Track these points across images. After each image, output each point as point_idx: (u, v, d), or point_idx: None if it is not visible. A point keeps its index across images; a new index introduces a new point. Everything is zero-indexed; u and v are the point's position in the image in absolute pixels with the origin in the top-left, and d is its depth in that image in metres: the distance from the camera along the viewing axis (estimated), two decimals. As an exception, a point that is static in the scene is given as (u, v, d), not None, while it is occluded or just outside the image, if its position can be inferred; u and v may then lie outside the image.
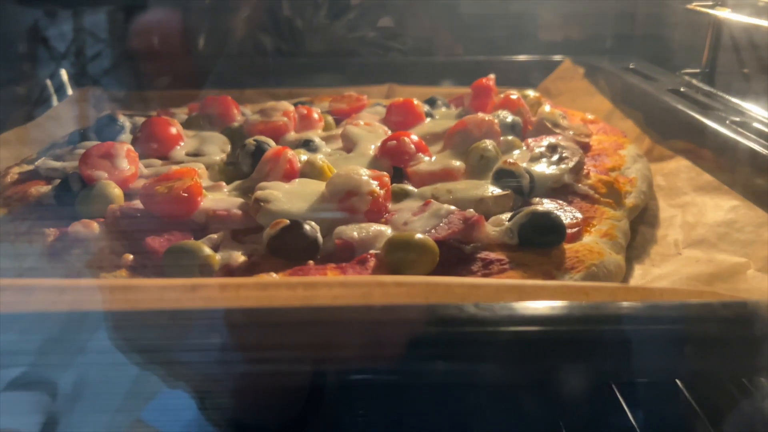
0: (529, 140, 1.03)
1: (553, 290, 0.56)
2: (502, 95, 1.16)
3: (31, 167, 0.97)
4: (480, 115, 1.04)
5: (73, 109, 1.36)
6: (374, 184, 0.81)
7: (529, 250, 0.74)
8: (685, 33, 1.41)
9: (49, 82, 1.46)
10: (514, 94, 1.15)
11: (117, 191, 0.83)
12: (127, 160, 0.88)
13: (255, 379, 0.62)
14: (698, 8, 1.24)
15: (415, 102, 1.15)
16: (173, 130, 1.02)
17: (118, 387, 0.62)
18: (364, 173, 0.82)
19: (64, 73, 1.47)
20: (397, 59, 1.63)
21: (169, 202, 0.79)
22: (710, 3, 1.24)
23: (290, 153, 0.91)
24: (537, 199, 0.86)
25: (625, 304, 0.56)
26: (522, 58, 1.60)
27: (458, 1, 1.61)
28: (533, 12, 1.65)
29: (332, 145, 1.07)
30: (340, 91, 1.43)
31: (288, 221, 0.74)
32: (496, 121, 1.02)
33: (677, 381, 0.87)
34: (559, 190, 0.90)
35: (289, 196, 0.82)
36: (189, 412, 0.72)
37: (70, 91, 1.45)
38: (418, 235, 0.71)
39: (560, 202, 0.86)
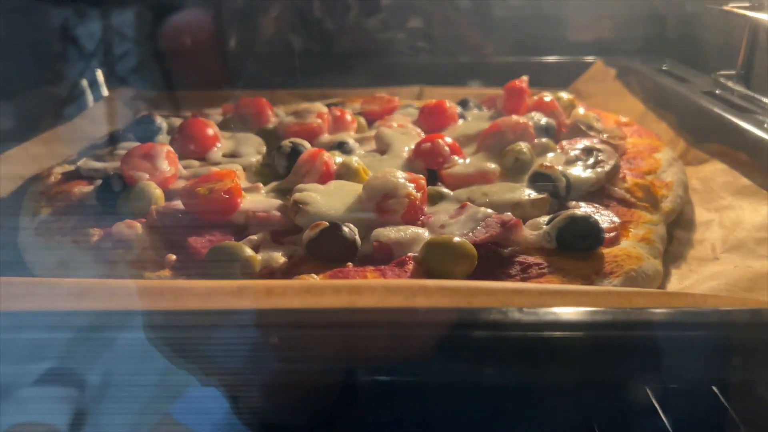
0: (564, 143, 1.03)
1: (596, 296, 0.56)
2: (535, 97, 1.15)
3: (72, 167, 0.99)
4: (514, 117, 1.04)
5: (108, 110, 1.39)
6: (411, 186, 0.81)
7: (567, 254, 0.74)
8: (720, 34, 1.39)
9: (84, 82, 1.49)
10: (548, 96, 1.15)
11: (158, 192, 0.85)
12: (167, 161, 0.90)
13: (291, 379, 0.63)
14: (735, 10, 1.22)
15: (448, 104, 1.15)
16: (210, 132, 1.03)
17: (146, 381, 0.63)
18: (401, 176, 0.83)
19: (99, 74, 1.49)
20: (427, 60, 1.63)
21: (210, 204, 0.80)
22: (747, 5, 1.22)
23: (326, 155, 0.92)
24: (573, 203, 0.86)
25: (667, 310, 0.56)
26: (552, 59, 1.60)
27: (488, 1, 1.61)
28: (563, 12, 1.64)
29: (366, 147, 1.08)
30: (371, 91, 1.43)
31: (327, 223, 0.75)
32: (530, 123, 1.02)
33: (713, 387, 0.86)
34: (596, 193, 0.90)
35: (327, 198, 0.83)
36: (219, 409, 0.73)
37: (105, 92, 1.48)
38: (456, 238, 0.72)
39: (597, 205, 0.86)
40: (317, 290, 0.57)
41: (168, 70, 1.61)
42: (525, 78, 1.22)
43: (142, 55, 1.64)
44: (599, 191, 0.90)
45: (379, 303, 0.55)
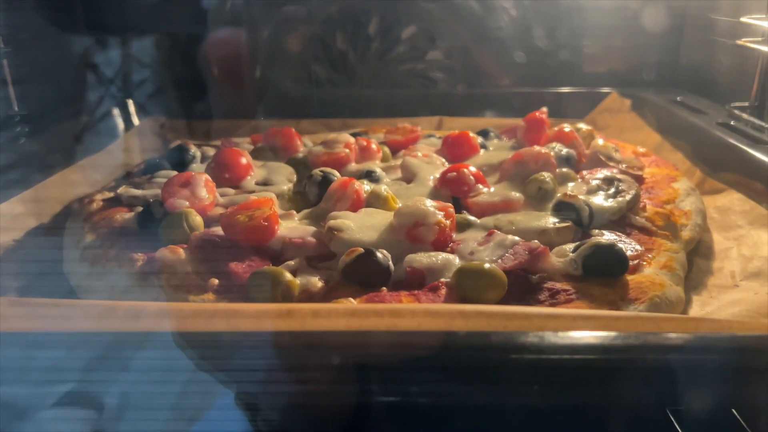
0: (584, 173, 1.07)
1: (627, 321, 0.59)
2: (555, 128, 1.19)
3: (112, 194, 1.03)
4: (536, 148, 1.07)
5: (139, 138, 1.44)
6: (440, 214, 0.85)
7: (592, 281, 0.77)
8: (733, 67, 1.43)
9: (115, 110, 1.55)
10: (567, 127, 1.19)
11: (198, 219, 0.89)
12: (205, 189, 0.94)
13: (329, 399, 0.65)
14: (748, 44, 1.26)
15: (471, 134, 1.19)
16: (244, 161, 1.07)
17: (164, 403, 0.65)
18: (430, 204, 0.86)
19: (131, 104, 1.55)
20: (446, 90, 1.68)
21: (249, 230, 0.84)
22: (759, 39, 1.26)
23: (357, 183, 0.96)
24: (597, 231, 0.89)
25: (692, 335, 0.59)
26: (567, 90, 1.64)
27: (505, 33, 1.66)
28: (578, 44, 1.69)
29: (392, 176, 1.12)
30: (392, 121, 1.48)
31: (362, 250, 0.78)
32: (552, 153, 1.05)
33: (733, 411, 0.88)
34: (617, 222, 0.93)
35: (359, 225, 0.86)
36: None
37: (136, 120, 1.53)
38: (487, 265, 0.75)
39: (619, 234, 0.89)
40: (361, 313, 0.60)
41: (192, 100, 1.66)
42: (545, 109, 1.26)
43: (159, 82, 1.70)
44: (620, 220, 0.93)
45: (420, 326, 0.58)
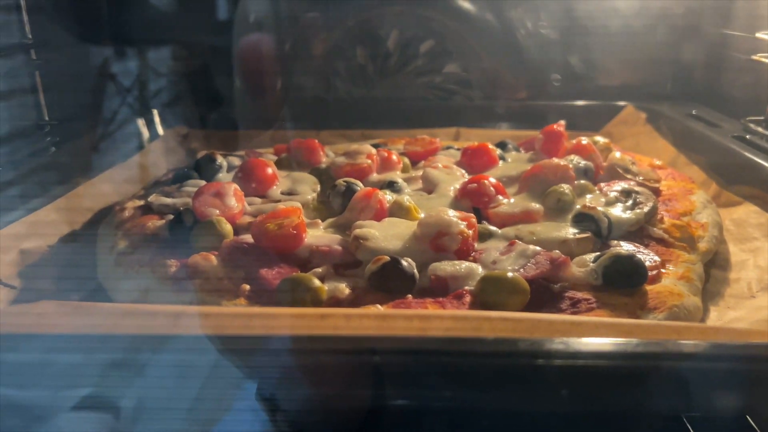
0: (602, 185, 1.09)
1: (648, 329, 0.61)
2: (573, 141, 1.22)
3: (142, 202, 1.06)
4: (555, 160, 1.10)
5: (164, 148, 1.48)
6: (463, 224, 0.87)
7: (612, 291, 0.79)
8: (747, 81, 1.45)
9: (141, 121, 1.58)
10: (585, 140, 1.21)
11: (228, 227, 0.92)
12: (234, 199, 0.97)
13: (355, 400, 0.67)
14: (762, 59, 1.28)
15: (490, 146, 1.22)
16: (269, 171, 1.10)
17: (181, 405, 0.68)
18: (453, 214, 0.89)
19: (155, 114, 1.59)
20: (463, 103, 1.71)
21: (278, 238, 0.87)
22: (774, 54, 1.28)
23: (380, 194, 0.99)
24: (615, 242, 0.91)
25: (715, 343, 0.61)
26: (582, 102, 1.66)
27: (520, 47, 1.69)
28: (592, 58, 1.72)
29: (412, 186, 1.14)
30: (410, 133, 1.51)
31: (388, 258, 0.81)
32: (570, 166, 1.08)
33: (747, 417, 0.90)
34: (635, 233, 0.95)
35: (384, 234, 0.89)
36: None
37: (160, 130, 1.57)
38: (510, 274, 0.77)
39: (637, 245, 0.91)
40: (391, 318, 0.62)
41: (211, 110, 1.70)
42: (562, 122, 1.28)
43: (178, 94, 1.73)
44: (638, 231, 0.95)
45: (448, 331, 0.61)
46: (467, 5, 1.67)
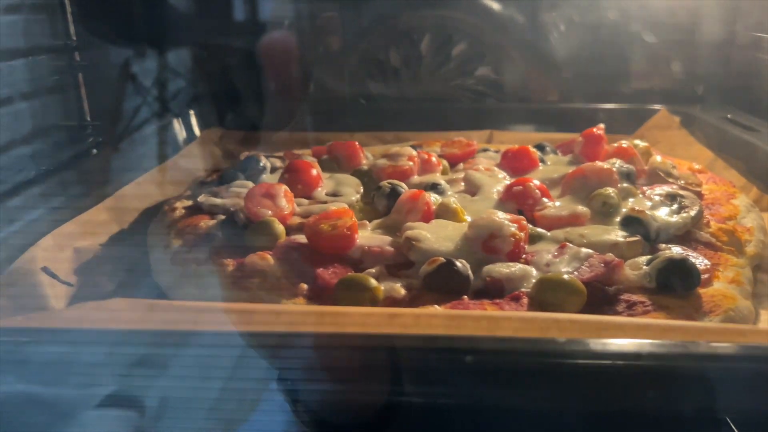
0: (644, 188, 1.09)
1: (713, 332, 0.62)
2: (615, 144, 1.22)
3: (190, 203, 1.08)
4: (598, 163, 1.11)
5: (202, 149, 1.50)
6: (514, 227, 0.88)
7: (665, 294, 0.80)
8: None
9: (177, 121, 1.60)
10: (625, 143, 1.22)
11: (281, 227, 0.93)
12: (285, 199, 0.99)
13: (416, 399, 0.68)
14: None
15: (531, 149, 1.23)
16: (314, 172, 1.12)
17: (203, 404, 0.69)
18: (504, 217, 0.90)
19: (192, 115, 1.61)
20: (495, 105, 1.71)
21: (332, 239, 0.88)
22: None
23: (427, 195, 1.00)
24: (663, 246, 0.92)
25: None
26: (614, 106, 1.67)
27: (551, 49, 1.69)
28: (623, 61, 1.72)
29: (454, 189, 1.15)
30: (444, 135, 1.52)
31: (443, 259, 0.82)
32: (614, 169, 1.08)
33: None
34: (682, 237, 0.95)
35: (434, 236, 0.90)
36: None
37: (197, 131, 1.59)
38: (566, 276, 0.78)
39: (686, 248, 0.92)
40: (460, 318, 0.64)
41: (241, 111, 1.72)
42: (602, 126, 1.29)
43: (196, 94, 1.74)
44: (685, 235, 0.96)
45: (517, 332, 0.62)
46: (499, 7, 1.68)
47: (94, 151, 1.38)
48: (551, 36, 1.68)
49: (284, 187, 1.01)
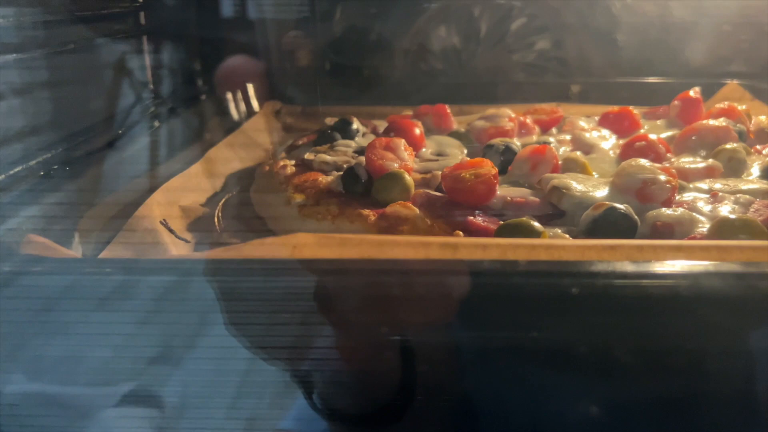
0: (758, 147, 1.06)
1: None
2: (718, 105, 1.19)
3: (293, 162, 1.02)
4: (711, 121, 1.07)
5: (266, 120, 1.43)
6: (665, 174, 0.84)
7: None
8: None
9: (229, 95, 1.53)
10: (723, 104, 1.19)
11: (410, 178, 0.87)
12: (407, 152, 0.93)
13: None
14: None
15: (633, 110, 1.19)
16: (417, 131, 1.06)
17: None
18: (654, 165, 0.85)
19: (250, 88, 1.54)
20: (556, 80, 1.68)
21: (474, 188, 0.83)
22: None
23: (554, 149, 0.95)
24: (803, 197, 0.89)
25: None
26: (677, 80, 1.64)
27: (614, 24, 1.67)
28: (674, 37, 1.70)
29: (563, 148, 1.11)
30: (512, 108, 1.48)
31: (609, 204, 0.77)
32: (732, 127, 1.05)
33: None
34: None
35: (578, 186, 0.85)
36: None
37: (256, 105, 1.52)
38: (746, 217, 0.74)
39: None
40: (688, 249, 0.59)
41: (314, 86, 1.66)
42: (698, 89, 1.26)
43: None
44: (819, 188, 0.93)
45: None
46: (561, -19, 1.65)
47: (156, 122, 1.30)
48: (614, 7, 1.65)
49: (403, 141, 0.95)
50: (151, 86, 1.32)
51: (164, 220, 0.82)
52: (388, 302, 0.56)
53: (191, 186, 0.98)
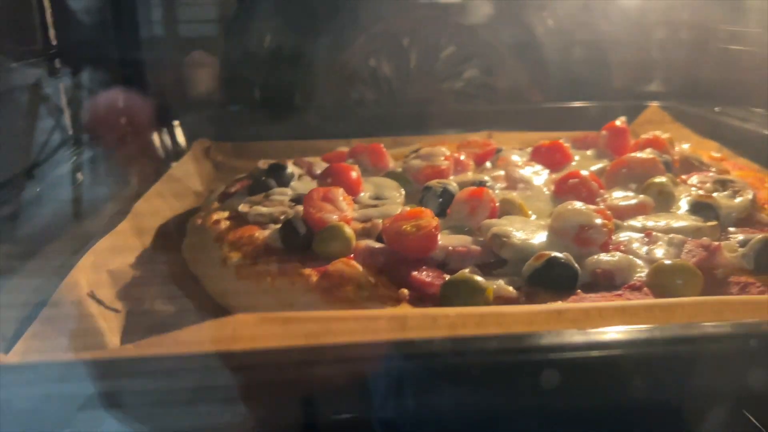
0: (683, 177, 1.10)
1: None
2: (643, 136, 1.23)
3: (226, 214, 0.98)
4: (639, 154, 1.10)
5: (196, 162, 1.38)
6: (600, 218, 0.85)
7: (765, 273, 0.79)
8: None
9: (156, 135, 1.47)
10: (652, 134, 1.23)
11: (350, 231, 0.85)
12: (345, 202, 0.91)
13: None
14: None
15: (564, 143, 1.21)
16: (354, 175, 1.05)
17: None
18: (586, 207, 0.87)
19: (177, 124, 1.48)
20: (487, 107, 1.70)
21: (417, 240, 0.81)
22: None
23: (490, 192, 0.95)
24: (733, 229, 0.92)
25: None
26: (601, 104, 1.69)
27: (538, 50, 1.71)
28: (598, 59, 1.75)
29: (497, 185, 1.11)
30: (442, 138, 1.48)
31: (550, 254, 0.77)
32: (658, 158, 1.08)
33: None
34: (744, 220, 0.96)
35: (518, 232, 0.86)
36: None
37: (183, 142, 1.46)
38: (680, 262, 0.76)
39: (754, 231, 0.92)
40: (632, 309, 0.59)
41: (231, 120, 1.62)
42: (623, 118, 1.30)
43: None
44: (746, 219, 0.96)
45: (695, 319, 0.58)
46: (487, 9, 1.67)
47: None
48: (538, 36, 1.69)
49: (341, 190, 0.93)
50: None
51: (92, 291, 0.77)
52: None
53: (119, 246, 0.93)
